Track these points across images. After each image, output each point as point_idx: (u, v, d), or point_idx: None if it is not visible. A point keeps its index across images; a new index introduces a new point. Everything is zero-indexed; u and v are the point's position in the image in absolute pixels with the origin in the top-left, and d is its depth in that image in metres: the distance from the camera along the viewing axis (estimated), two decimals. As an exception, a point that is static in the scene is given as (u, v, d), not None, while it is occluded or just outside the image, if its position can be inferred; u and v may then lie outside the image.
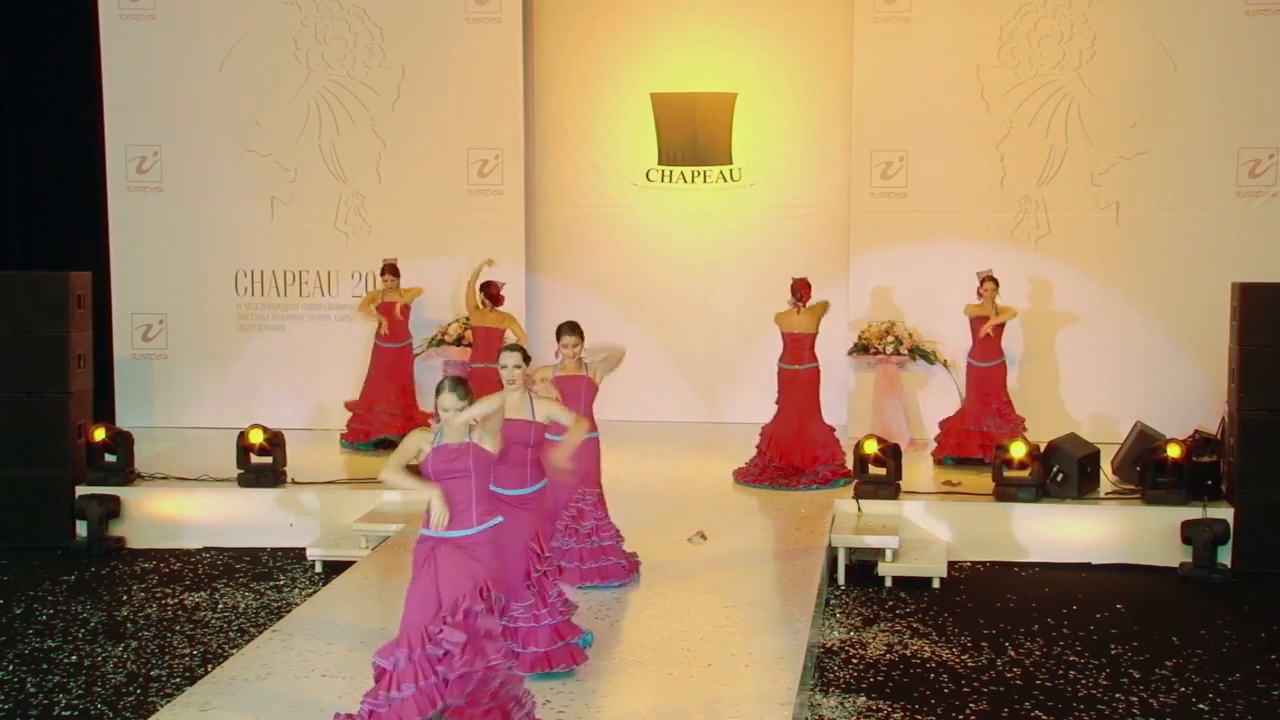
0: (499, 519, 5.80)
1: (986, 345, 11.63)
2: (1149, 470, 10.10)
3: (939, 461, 11.60)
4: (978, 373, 11.68)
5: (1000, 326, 11.61)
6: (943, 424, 11.80)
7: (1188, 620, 8.70)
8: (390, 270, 12.45)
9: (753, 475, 10.98)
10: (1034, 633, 8.42)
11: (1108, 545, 9.96)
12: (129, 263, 13.68)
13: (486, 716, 5.60)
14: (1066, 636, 8.36)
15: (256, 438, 10.65)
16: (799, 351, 11.01)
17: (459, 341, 13.13)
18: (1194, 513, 9.85)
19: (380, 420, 12.25)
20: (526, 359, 6.86)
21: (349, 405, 12.49)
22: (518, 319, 12.05)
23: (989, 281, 11.61)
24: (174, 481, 10.86)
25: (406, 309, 12.51)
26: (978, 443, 11.38)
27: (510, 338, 11.24)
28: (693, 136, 13.84)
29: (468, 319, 13.20)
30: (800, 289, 11.00)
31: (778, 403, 11.12)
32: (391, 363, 12.43)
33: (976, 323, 11.65)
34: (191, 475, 10.93)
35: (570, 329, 8.11)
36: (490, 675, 5.62)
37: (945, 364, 12.63)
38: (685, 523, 9.45)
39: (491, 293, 11.84)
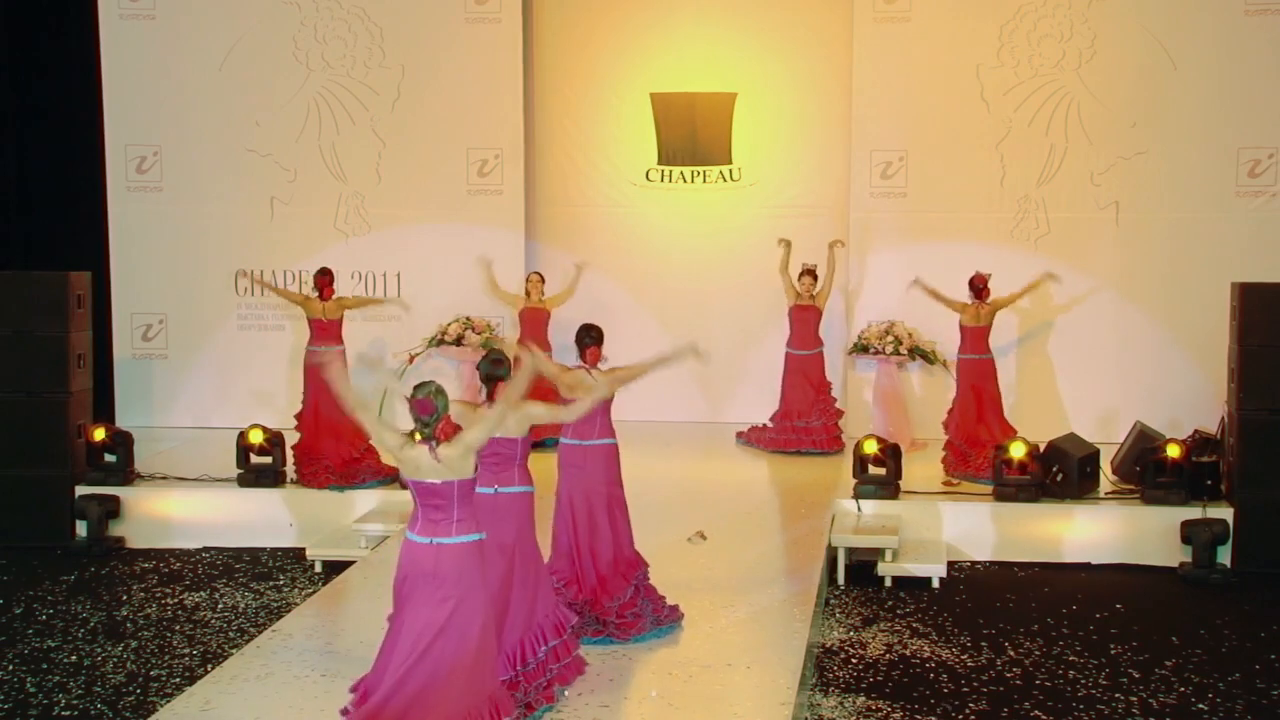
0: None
1: (977, 340, 11.44)
2: (1149, 470, 10.10)
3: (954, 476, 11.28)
4: (969, 366, 11.53)
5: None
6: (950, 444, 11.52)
7: (1188, 620, 8.70)
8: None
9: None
10: (1034, 633, 8.42)
11: (1108, 545, 9.97)
12: (129, 263, 13.68)
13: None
14: (1066, 636, 8.36)
15: (256, 438, 10.66)
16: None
17: (459, 341, 13.14)
18: (1194, 513, 9.86)
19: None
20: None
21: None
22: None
23: (976, 294, 11.43)
24: (174, 481, 10.86)
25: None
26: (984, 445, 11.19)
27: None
28: (693, 136, 13.84)
29: (468, 318, 13.22)
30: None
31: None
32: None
33: (966, 330, 11.53)
34: (191, 475, 10.94)
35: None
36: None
37: (945, 364, 12.62)
38: (685, 523, 9.45)
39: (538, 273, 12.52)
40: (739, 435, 12.74)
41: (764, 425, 12.52)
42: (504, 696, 5.68)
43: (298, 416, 11.12)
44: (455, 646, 5.42)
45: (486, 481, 6.22)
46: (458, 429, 5.70)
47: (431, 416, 5.46)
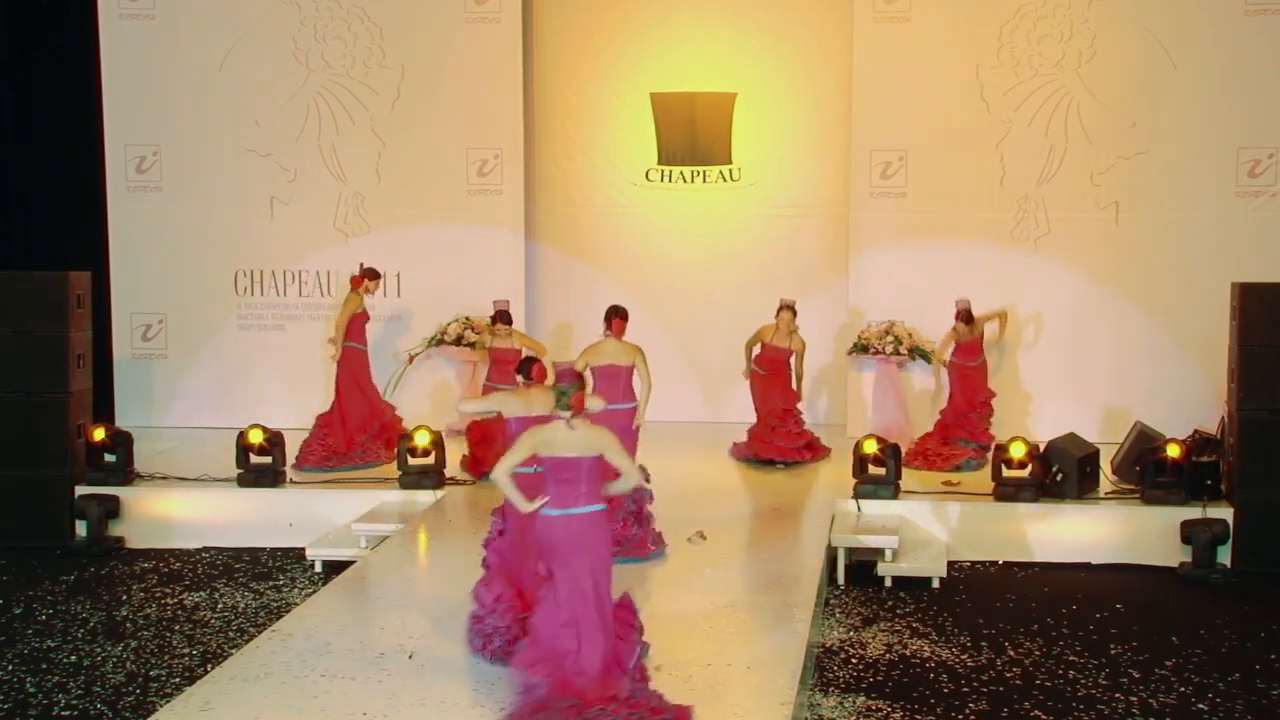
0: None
1: (972, 348, 11.90)
2: (1149, 470, 10.10)
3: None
4: (961, 370, 11.88)
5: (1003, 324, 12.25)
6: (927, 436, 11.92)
7: (1188, 620, 8.70)
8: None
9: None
10: (1034, 633, 8.42)
11: (1107, 545, 9.97)
12: (129, 263, 13.68)
13: None
14: (1066, 636, 8.36)
15: (256, 438, 10.66)
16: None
17: (459, 341, 13.15)
18: (1194, 513, 9.85)
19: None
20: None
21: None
22: (527, 334, 11.87)
23: (964, 321, 11.80)
24: (174, 481, 10.86)
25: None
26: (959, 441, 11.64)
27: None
28: (692, 136, 13.84)
29: (468, 319, 13.22)
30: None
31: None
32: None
33: (956, 372, 11.89)
34: (191, 475, 10.94)
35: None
36: None
37: (945, 364, 12.63)
38: (685, 523, 9.44)
39: (503, 310, 11.39)
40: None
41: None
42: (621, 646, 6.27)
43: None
44: (595, 598, 6.07)
45: (527, 461, 6.51)
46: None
47: (571, 386, 6.05)
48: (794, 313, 11.77)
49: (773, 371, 11.88)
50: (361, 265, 12.02)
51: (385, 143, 13.57)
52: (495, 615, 6.83)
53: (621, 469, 6.12)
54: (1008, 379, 12.78)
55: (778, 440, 11.74)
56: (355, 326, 11.83)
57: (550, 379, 7.15)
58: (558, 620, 6.10)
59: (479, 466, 10.90)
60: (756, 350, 11.95)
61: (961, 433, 11.70)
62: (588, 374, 8.77)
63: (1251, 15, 12.50)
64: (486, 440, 10.74)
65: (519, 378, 7.22)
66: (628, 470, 6.13)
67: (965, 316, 11.80)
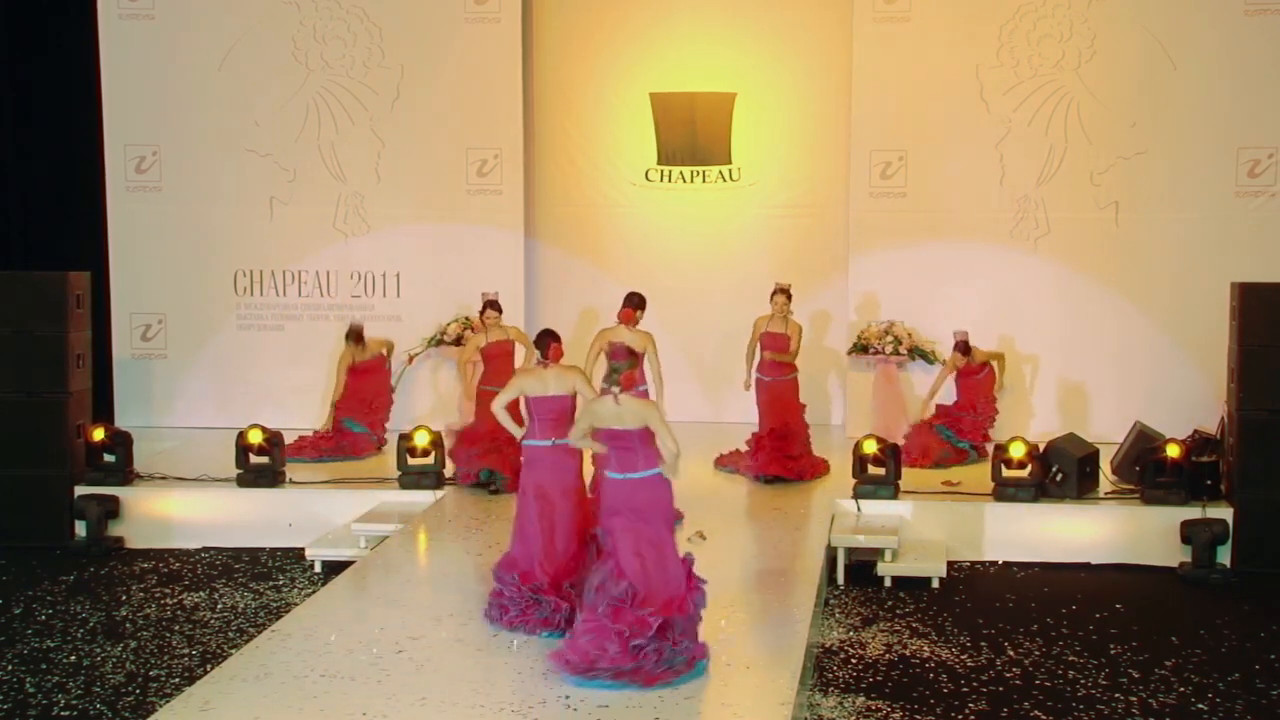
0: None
1: (973, 366, 11.96)
2: (1148, 470, 10.10)
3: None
4: (966, 374, 11.94)
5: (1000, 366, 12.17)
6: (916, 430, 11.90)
7: (1187, 620, 8.70)
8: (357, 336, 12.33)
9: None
10: (1033, 633, 8.42)
11: (1107, 545, 9.96)
12: (128, 263, 13.69)
13: None
14: (1066, 636, 8.36)
15: (255, 438, 10.65)
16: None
17: (458, 341, 13.15)
18: (1193, 513, 9.85)
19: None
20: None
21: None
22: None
23: (962, 352, 11.82)
24: (173, 481, 10.86)
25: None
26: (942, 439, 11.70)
27: (519, 352, 11.17)
28: (692, 136, 13.84)
29: (467, 319, 13.21)
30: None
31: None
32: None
33: (960, 377, 11.89)
34: (191, 475, 10.94)
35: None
36: None
37: (945, 364, 12.62)
38: (685, 522, 9.44)
39: (492, 300, 11.21)
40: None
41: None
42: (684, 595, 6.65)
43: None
44: (655, 551, 6.55)
45: (545, 435, 7.33)
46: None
47: (622, 363, 6.61)
48: (789, 296, 11.37)
49: (776, 372, 11.47)
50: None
51: (385, 143, 13.57)
52: (510, 587, 7.27)
53: (660, 436, 6.58)
54: (1008, 378, 12.77)
55: (759, 456, 11.12)
56: (358, 372, 12.24)
57: (565, 358, 7.68)
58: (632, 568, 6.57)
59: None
60: (757, 350, 11.72)
61: (949, 428, 11.66)
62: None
63: (1251, 15, 12.51)
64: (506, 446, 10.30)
65: (536, 353, 7.52)
66: (665, 437, 6.57)
67: (963, 348, 11.79)
